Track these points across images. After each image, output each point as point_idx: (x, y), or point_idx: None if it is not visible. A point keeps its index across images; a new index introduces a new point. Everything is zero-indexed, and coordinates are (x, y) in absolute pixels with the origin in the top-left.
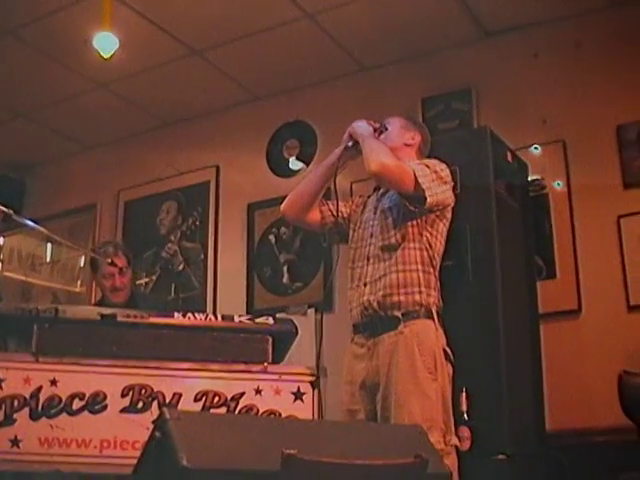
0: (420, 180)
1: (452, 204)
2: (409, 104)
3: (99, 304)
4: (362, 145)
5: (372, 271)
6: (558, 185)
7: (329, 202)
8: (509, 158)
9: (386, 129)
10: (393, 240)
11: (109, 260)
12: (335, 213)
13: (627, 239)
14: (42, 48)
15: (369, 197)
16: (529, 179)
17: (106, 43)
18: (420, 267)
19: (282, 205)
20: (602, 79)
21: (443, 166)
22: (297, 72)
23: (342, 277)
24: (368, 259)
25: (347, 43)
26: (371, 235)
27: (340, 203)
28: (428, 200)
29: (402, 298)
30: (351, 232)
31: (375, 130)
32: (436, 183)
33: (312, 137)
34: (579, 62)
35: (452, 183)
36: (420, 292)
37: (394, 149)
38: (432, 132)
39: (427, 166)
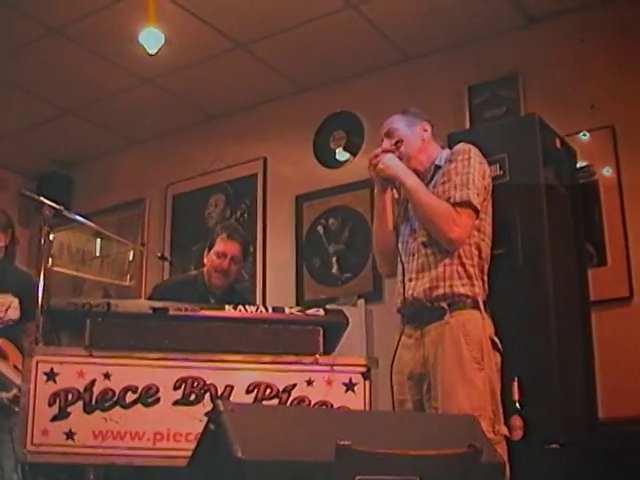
0: (474, 203)
1: (490, 182)
2: (455, 92)
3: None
4: (408, 196)
5: (417, 266)
6: (607, 171)
7: None
8: (557, 144)
9: (400, 141)
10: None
11: (218, 249)
12: None
13: None
14: (88, 45)
15: None
16: (578, 165)
17: (151, 39)
18: (464, 260)
19: (379, 269)
20: None
21: (473, 152)
22: (342, 63)
23: None
24: (413, 255)
25: (391, 32)
26: (414, 230)
27: None
28: (479, 211)
29: (447, 290)
30: (398, 223)
31: (394, 151)
32: (481, 187)
33: (359, 127)
34: (626, 46)
35: (486, 163)
36: (464, 284)
37: (419, 152)
38: (479, 120)
39: (468, 173)
